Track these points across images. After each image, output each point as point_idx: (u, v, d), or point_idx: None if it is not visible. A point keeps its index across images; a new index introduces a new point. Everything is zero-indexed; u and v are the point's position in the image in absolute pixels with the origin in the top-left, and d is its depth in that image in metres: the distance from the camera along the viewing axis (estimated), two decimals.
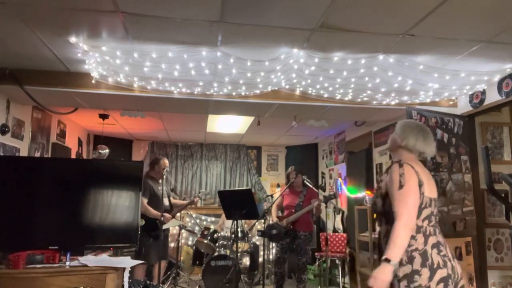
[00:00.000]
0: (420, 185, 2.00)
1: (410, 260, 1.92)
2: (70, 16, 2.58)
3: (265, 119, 4.98)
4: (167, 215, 4.34)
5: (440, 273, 1.90)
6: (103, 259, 2.71)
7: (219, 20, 2.61)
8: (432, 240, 1.97)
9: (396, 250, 1.88)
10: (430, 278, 1.88)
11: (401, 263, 1.92)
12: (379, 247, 2.13)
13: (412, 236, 1.96)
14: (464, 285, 2.03)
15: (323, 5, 2.40)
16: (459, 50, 3.06)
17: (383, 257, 1.89)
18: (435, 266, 1.90)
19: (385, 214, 2.08)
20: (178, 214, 5.43)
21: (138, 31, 2.78)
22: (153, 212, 4.27)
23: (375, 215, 2.41)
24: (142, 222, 3.25)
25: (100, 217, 2.87)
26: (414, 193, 1.98)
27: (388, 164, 5.03)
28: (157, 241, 4.32)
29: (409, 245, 1.94)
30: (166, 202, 4.51)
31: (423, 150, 2.14)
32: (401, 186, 1.98)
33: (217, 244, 5.34)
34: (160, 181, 4.60)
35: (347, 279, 5.70)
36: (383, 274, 1.87)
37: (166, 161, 4.65)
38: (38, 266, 2.48)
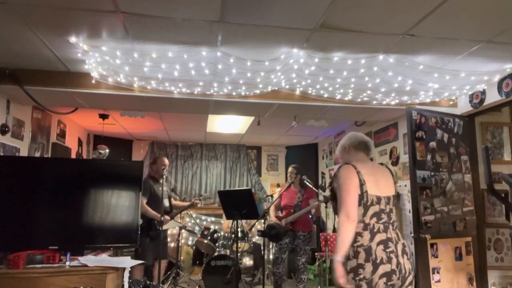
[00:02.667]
0: (362, 184, 2.19)
1: (356, 255, 2.12)
2: (70, 16, 2.58)
3: (265, 119, 4.98)
4: (166, 216, 4.34)
5: (383, 268, 2.08)
6: (103, 259, 2.71)
7: (219, 20, 2.61)
8: (379, 237, 2.15)
9: (339, 246, 2.12)
10: (373, 271, 2.07)
11: (349, 258, 2.14)
12: None
13: (359, 233, 2.15)
14: (413, 280, 2.17)
15: (323, 5, 2.40)
16: (459, 50, 3.06)
17: (334, 256, 2.15)
18: (378, 261, 2.09)
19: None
20: (178, 215, 5.42)
21: (138, 31, 2.78)
22: (152, 212, 4.27)
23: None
24: (140, 222, 3.27)
25: (100, 217, 2.87)
26: (351, 190, 2.18)
27: (388, 164, 5.04)
28: (154, 241, 4.31)
29: (356, 241, 2.15)
30: (166, 203, 4.50)
31: (349, 145, 2.44)
32: (339, 187, 2.23)
33: (217, 244, 5.34)
34: (161, 181, 4.58)
35: None
36: (335, 270, 2.13)
37: (165, 160, 4.63)
38: (38, 266, 2.48)
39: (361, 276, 2.07)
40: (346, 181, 2.20)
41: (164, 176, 4.42)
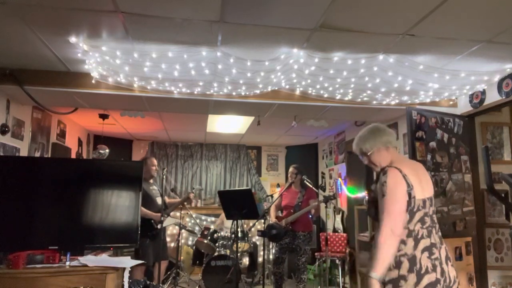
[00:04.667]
0: (410, 189, 1.95)
1: (398, 265, 1.90)
2: (70, 16, 2.58)
3: (265, 119, 4.98)
4: (158, 214, 4.34)
5: (428, 278, 1.86)
6: (103, 259, 2.71)
7: (219, 20, 2.61)
8: (423, 243, 1.93)
9: (379, 264, 1.86)
10: (417, 283, 1.85)
11: (389, 268, 1.90)
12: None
13: (402, 240, 1.92)
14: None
15: (323, 5, 2.40)
16: (459, 50, 3.06)
17: (369, 273, 1.88)
18: (423, 271, 1.87)
19: (379, 221, 2.03)
20: (178, 214, 5.43)
21: (138, 31, 2.78)
22: (149, 213, 4.26)
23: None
24: None
25: (100, 217, 2.87)
26: (399, 202, 1.92)
27: None
28: (154, 241, 4.31)
29: (398, 250, 1.91)
30: (159, 201, 4.50)
31: (388, 140, 2.11)
32: (383, 195, 1.95)
33: (217, 244, 5.34)
34: (151, 181, 4.61)
35: (347, 279, 5.70)
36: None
37: (154, 160, 4.67)
38: (38, 266, 2.48)
39: None
40: (394, 190, 1.92)
41: (164, 177, 4.42)
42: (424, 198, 1.99)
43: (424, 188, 2.01)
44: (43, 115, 4.80)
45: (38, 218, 2.77)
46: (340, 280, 5.61)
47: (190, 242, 6.61)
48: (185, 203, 5.18)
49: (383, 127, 2.18)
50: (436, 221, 2.04)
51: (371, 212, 2.14)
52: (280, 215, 4.95)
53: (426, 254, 1.90)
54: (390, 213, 1.91)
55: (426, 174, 2.10)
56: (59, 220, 2.81)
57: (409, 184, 1.95)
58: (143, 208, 4.25)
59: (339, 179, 6.47)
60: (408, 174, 1.97)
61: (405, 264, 1.88)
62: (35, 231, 2.75)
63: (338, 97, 4.05)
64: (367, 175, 5.48)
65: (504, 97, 3.53)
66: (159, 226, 4.30)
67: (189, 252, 6.41)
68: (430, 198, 2.02)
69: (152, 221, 4.31)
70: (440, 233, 2.03)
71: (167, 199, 4.91)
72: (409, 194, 1.94)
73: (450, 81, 3.60)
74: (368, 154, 2.14)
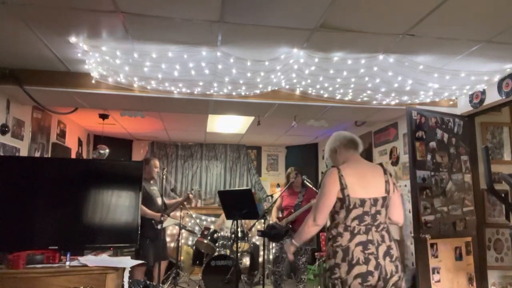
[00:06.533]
0: (343, 188, 2.20)
1: (334, 254, 2.19)
2: (70, 16, 2.58)
3: (265, 119, 4.98)
4: (158, 214, 4.34)
5: (359, 269, 2.11)
6: (103, 259, 2.71)
7: (219, 20, 2.61)
8: (359, 238, 2.17)
9: (300, 238, 2.35)
10: (348, 272, 2.12)
11: (328, 257, 2.24)
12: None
13: (340, 233, 2.21)
14: (398, 281, 2.17)
15: (323, 5, 2.40)
16: (459, 50, 3.06)
17: (293, 240, 2.39)
18: (354, 262, 2.13)
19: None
20: (178, 214, 5.43)
21: (138, 31, 2.78)
22: (149, 212, 4.27)
23: None
24: None
25: (100, 217, 2.88)
26: (326, 197, 2.23)
27: (388, 164, 5.04)
28: (154, 241, 4.31)
29: (335, 241, 2.21)
30: (159, 201, 4.51)
31: (334, 145, 2.45)
32: (320, 189, 2.29)
33: (217, 244, 5.34)
34: (152, 181, 4.62)
35: None
36: (288, 248, 2.43)
37: (157, 162, 4.67)
38: (38, 266, 2.49)
39: (337, 276, 2.14)
40: (326, 187, 2.25)
41: (164, 176, 4.43)
42: (364, 198, 2.21)
43: (367, 189, 2.23)
44: (43, 115, 4.80)
45: (38, 218, 2.77)
46: None
47: (190, 242, 6.61)
48: (185, 203, 5.18)
49: (334, 135, 2.50)
50: (382, 221, 2.24)
51: None
52: (281, 215, 4.95)
53: (360, 248, 2.15)
54: (317, 204, 2.26)
55: (378, 177, 2.30)
56: (59, 220, 2.81)
57: (343, 184, 2.21)
58: (143, 207, 4.26)
59: None
60: (347, 174, 2.23)
61: (340, 254, 2.17)
62: (35, 231, 2.75)
63: (338, 97, 4.05)
64: None
65: (504, 97, 3.53)
66: (159, 227, 4.30)
67: (189, 252, 6.40)
68: (375, 199, 2.23)
69: (153, 221, 4.31)
70: (384, 232, 2.23)
71: (166, 200, 4.91)
72: (343, 192, 2.21)
73: (450, 81, 3.60)
74: (326, 157, 2.54)
